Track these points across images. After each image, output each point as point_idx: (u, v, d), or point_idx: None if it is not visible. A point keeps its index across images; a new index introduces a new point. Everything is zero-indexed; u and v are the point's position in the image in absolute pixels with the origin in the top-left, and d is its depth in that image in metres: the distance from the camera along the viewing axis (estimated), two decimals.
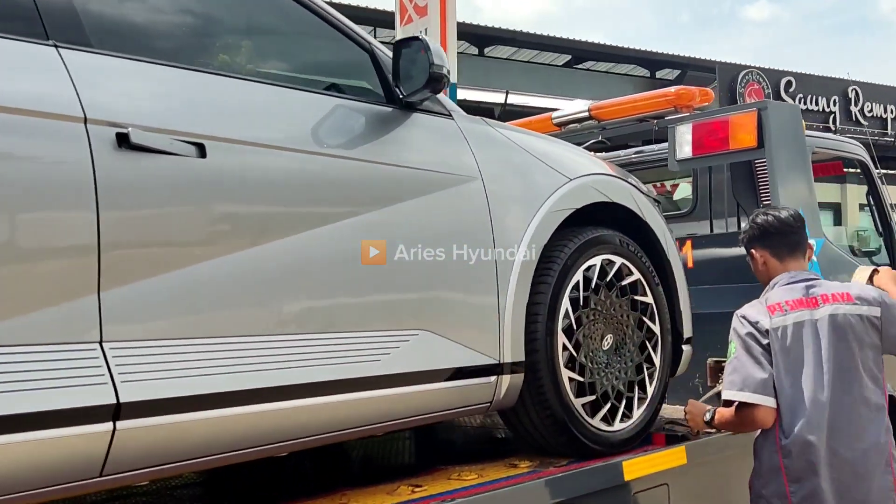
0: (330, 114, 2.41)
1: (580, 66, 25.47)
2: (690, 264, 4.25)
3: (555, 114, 4.81)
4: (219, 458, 2.05)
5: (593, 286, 2.93)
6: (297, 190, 2.22)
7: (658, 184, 5.85)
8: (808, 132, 4.21)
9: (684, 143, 4.03)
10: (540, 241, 2.78)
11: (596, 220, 3.07)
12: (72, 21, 1.91)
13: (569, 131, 4.75)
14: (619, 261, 3.03)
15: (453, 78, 10.04)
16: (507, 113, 17.89)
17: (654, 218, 3.25)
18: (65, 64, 1.85)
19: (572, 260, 2.87)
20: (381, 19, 19.84)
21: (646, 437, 3.13)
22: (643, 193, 3.28)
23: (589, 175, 3.04)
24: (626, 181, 3.23)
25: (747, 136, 3.81)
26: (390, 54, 2.55)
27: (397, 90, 2.49)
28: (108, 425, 1.80)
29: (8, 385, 1.66)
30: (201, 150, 1.99)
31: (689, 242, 4.31)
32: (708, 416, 2.93)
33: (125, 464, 1.86)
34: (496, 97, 18.17)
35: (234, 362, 2.03)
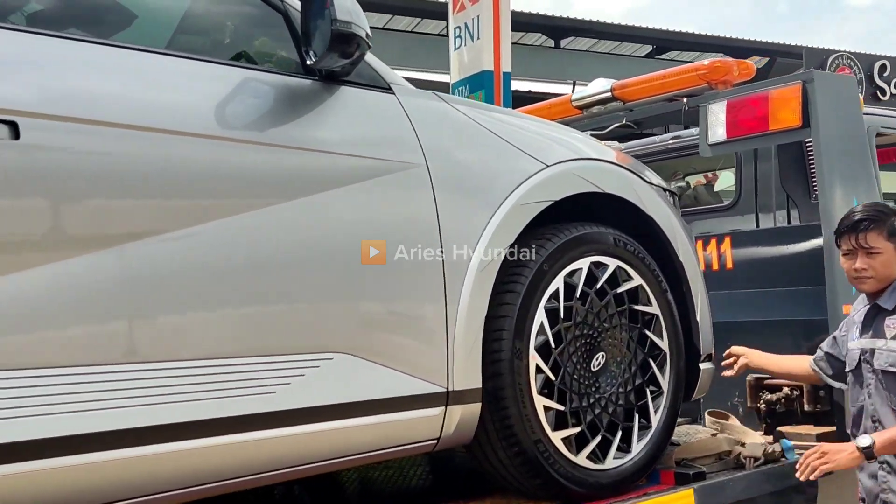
0: (230, 87, 1.97)
1: (664, 56, 24.66)
2: (729, 265, 3.66)
3: (574, 95, 4.27)
4: None
5: (578, 294, 2.41)
6: (165, 179, 1.78)
7: (711, 174, 5.24)
8: (869, 109, 3.57)
9: (718, 123, 3.44)
10: (504, 240, 2.27)
11: (594, 217, 2.56)
12: None
13: (591, 115, 4.19)
14: (612, 263, 2.50)
15: (507, 66, 9.61)
16: None
17: (662, 213, 2.70)
18: None
19: (549, 263, 2.36)
20: (428, 9, 19.46)
21: (651, 476, 2.60)
22: (650, 184, 2.73)
23: (574, 161, 2.51)
24: (627, 168, 2.69)
25: (790, 114, 3.21)
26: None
27: (307, 57, 2.03)
28: None
29: None
30: (13, 130, 1.57)
31: (727, 240, 3.72)
32: (866, 442, 2.48)
33: None
34: (566, 89, 17.51)
35: (63, 397, 1.60)
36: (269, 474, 1.92)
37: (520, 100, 10.39)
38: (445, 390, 2.14)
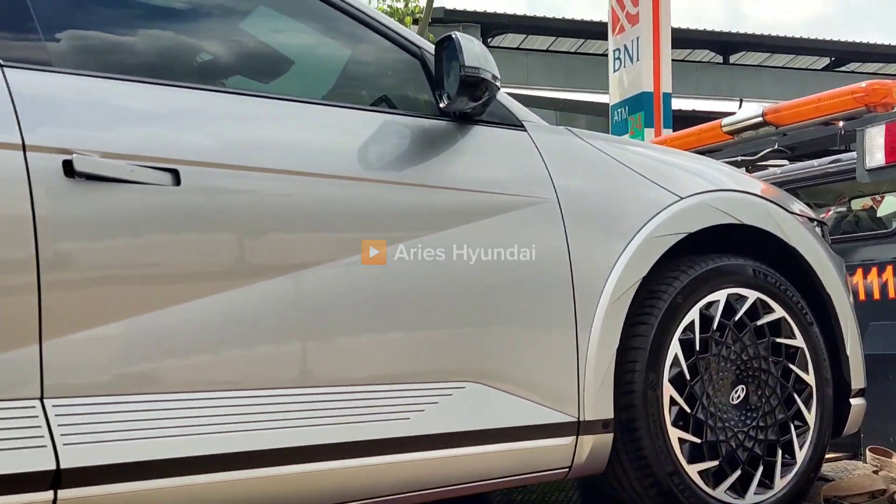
0: (366, 130, 2.12)
1: (842, 68, 23.54)
2: (892, 294, 3.49)
3: (724, 121, 4.19)
4: None
5: (716, 326, 2.40)
6: (314, 218, 1.94)
7: (878, 197, 5.00)
8: None
9: (876, 148, 3.30)
10: (637, 272, 2.30)
11: (731, 247, 2.54)
12: (21, 36, 1.76)
13: (743, 139, 4.11)
14: (752, 295, 2.47)
15: (667, 86, 9.47)
16: None
17: (807, 244, 2.64)
18: (6, 83, 1.68)
19: (684, 295, 2.36)
20: (590, 30, 19.44)
21: None
22: (793, 214, 2.68)
23: (710, 192, 2.51)
24: (768, 199, 2.64)
25: None
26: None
27: (440, 101, 2.15)
28: (49, 494, 1.60)
29: None
30: (175, 177, 1.77)
31: (889, 268, 3.54)
32: None
33: None
34: (734, 107, 17.01)
35: (217, 420, 1.77)
36: (405, 495, 2.03)
37: (684, 119, 10.23)
38: (576, 420, 2.19)
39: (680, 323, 2.35)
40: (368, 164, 2.07)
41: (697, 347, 2.36)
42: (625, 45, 9.61)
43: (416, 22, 11.70)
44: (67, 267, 1.66)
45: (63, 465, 1.61)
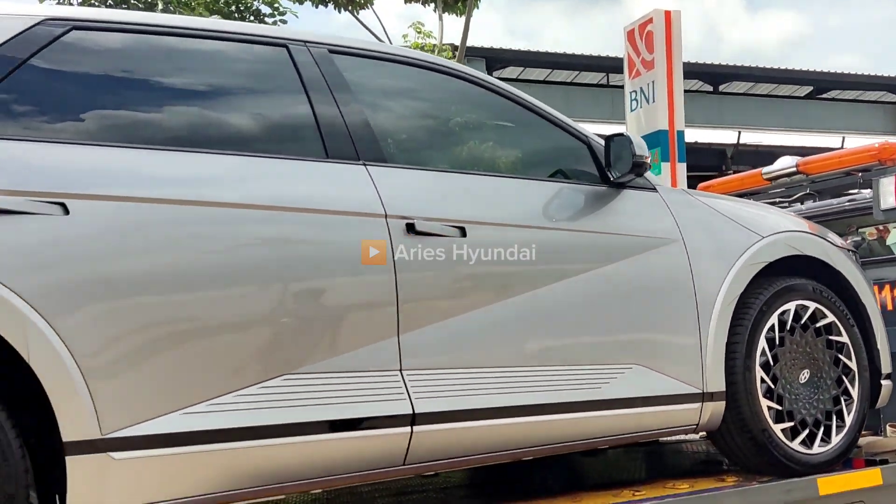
0: (557, 196, 3.12)
1: (823, 95, 24.67)
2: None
3: (764, 169, 5.25)
4: (484, 458, 2.79)
5: (788, 328, 3.41)
6: (536, 256, 2.93)
7: (882, 227, 6.05)
8: None
9: (888, 193, 4.35)
10: (736, 290, 3.31)
11: (794, 271, 3.55)
12: (376, 147, 2.75)
13: (778, 185, 5.16)
14: (812, 305, 3.48)
15: (680, 125, 10.54)
16: (740, 153, 17.85)
17: (847, 267, 3.66)
18: (371, 177, 2.68)
19: (767, 305, 3.38)
20: (611, 66, 20.61)
21: (846, 463, 3.53)
22: (837, 246, 3.70)
23: (781, 232, 3.53)
24: (819, 236, 3.67)
25: None
26: (601, 143, 3.23)
27: (609, 174, 3.16)
28: (406, 429, 2.58)
29: (346, 398, 2.49)
30: (462, 232, 2.76)
31: None
32: None
33: (419, 457, 2.63)
34: (728, 136, 18.15)
35: (496, 385, 2.76)
36: (594, 441, 3.03)
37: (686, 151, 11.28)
38: (701, 392, 3.19)
39: (765, 325, 3.36)
40: (554, 218, 3.06)
41: (777, 342, 3.37)
42: (641, 88, 10.65)
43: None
44: (413, 291, 2.64)
45: (417, 411, 2.59)
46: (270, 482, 2.44)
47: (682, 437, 4.31)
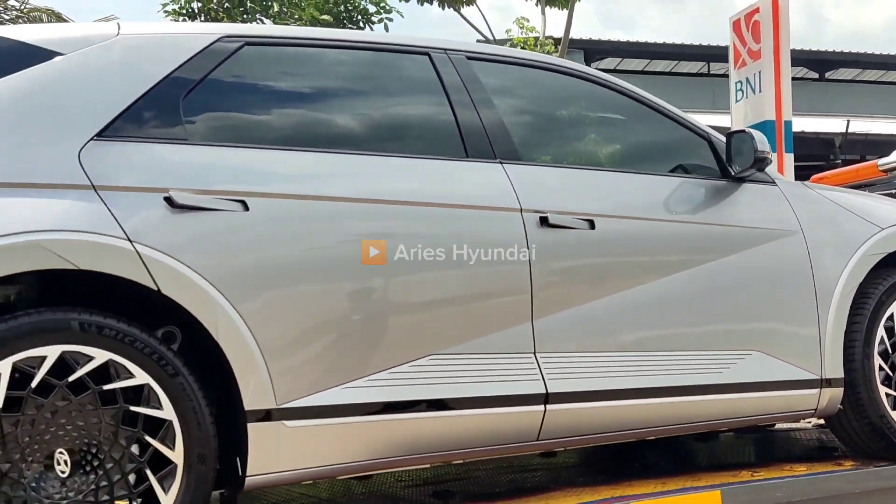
0: (679, 190, 3.27)
1: None
2: None
3: (880, 161, 5.26)
4: (610, 436, 2.98)
5: None
6: (660, 247, 3.10)
7: None
8: None
9: None
10: (855, 280, 3.40)
11: None
12: (511, 147, 2.96)
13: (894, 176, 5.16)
14: None
15: (787, 115, 10.42)
16: (849, 142, 17.39)
17: None
18: (507, 175, 2.89)
19: (886, 295, 3.46)
20: (712, 55, 20.34)
21: None
22: None
23: None
24: None
25: None
26: (721, 138, 3.36)
27: (730, 169, 3.29)
28: (540, 407, 2.79)
29: (486, 377, 2.71)
30: (591, 224, 2.95)
31: None
32: None
33: (551, 434, 2.84)
34: (836, 125, 17.68)
35: (622, 369, 2.95)
36: (716, 422, 3.18)
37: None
38: (820, 378, 3.29)
39: (884, 314, 3.44)
40: (675, 211, 3.21)
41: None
42: (747, 78, 10.57)
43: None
44: (545, 280, 2.85)
45: (550, 391, 2.80)
46: (417, 452, 2.68)
47: (795, 425, 4.43)
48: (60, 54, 2.48)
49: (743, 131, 3.25)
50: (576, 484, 3.19)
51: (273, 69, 2.82)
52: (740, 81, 10.87)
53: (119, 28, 2.62)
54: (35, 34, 2.57)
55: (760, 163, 3.21)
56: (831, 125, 17.86)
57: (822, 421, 3.94)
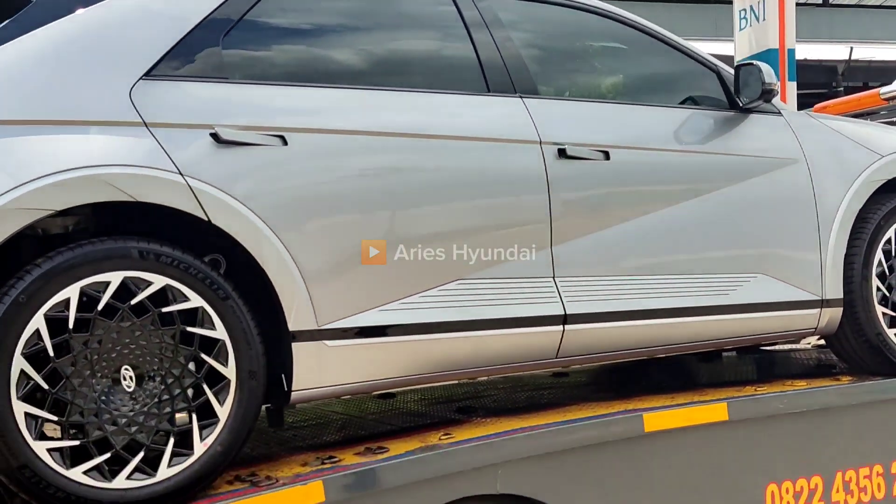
0: (690, 121, 3.44)
1: None
2: None
3: (882, 90, 5.38)
4: (624, 354, 3.20)
5: None
6: (671, 176, 3.27)
7: None
8: None
9: None
10: (855, 205, 3.58)
11: None
12: (529, 81, 3.11)
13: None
14: None
15: (791, 43, 10.46)
16: (852, 70, 17.37)
17: None
18: (527, 108, 3.04)
19: (885, 220, 3.64)
20: None
21: None
22: None
23: None
24: None
25: None
26: (729, 70, 3.50)
27: (738, 100, 3.44)
28: (559, 328, 2.99)
29: (509, 300, 2.90)
30: (606, 155, 3.11)
31: None
32: None
33: (569, 352, 3.05)
34: (839, 52, 17.63)
35: (636, 291, 3.15)
36: (723, 341, 3.41)
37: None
38: (820, 298, 3.49)
39: (882, 238, 3.63)
40: (684, 141, 3.37)
41: (893, 254, 3.64)
42: (751, 6, 10.54)
43: None
44: (563, 209, 3.02)
45: (568, 312, 3.00)
46: (447, 369, 2.90)
47: (796, 346, 4.66)
48: None
49: (751, 63, 3.39)
50: (589, 399, 3.40)
51: (301, 8, 2.95)
52: (744, 9, 10.84)
53: None
54: None
55: (767, 94, 3.36)
56: (835, 52, 17.82)
57: (821, 342, 4.18)
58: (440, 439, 2.87)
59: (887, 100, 5.26)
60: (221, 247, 2.58)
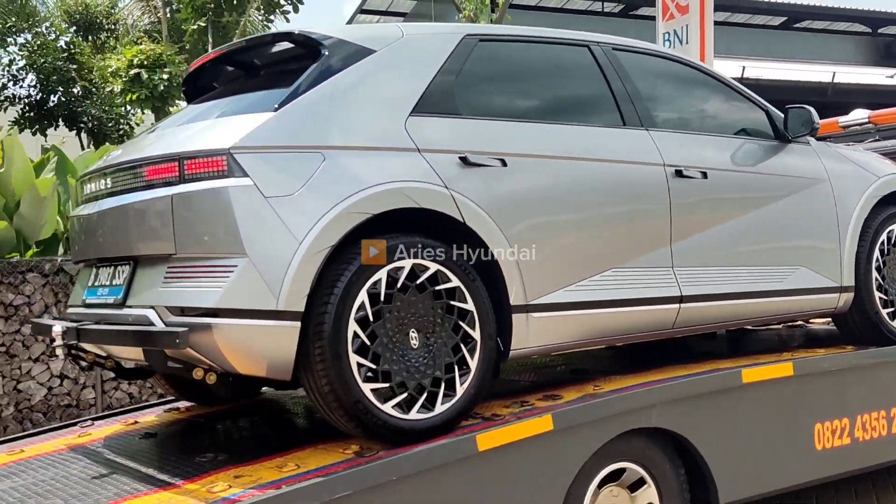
0: (752, 148, 4.46)
1: (798, 25, 25.80)
2: None
3: (841, 119, 6.64)
4: (717, 326, 4.23)
5: (892, 243, 4.83)
6: (745, 190, 4.29)
7: None
8: None
9: None
10: (862, 215, 4.71)
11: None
12: (650, 117, 4.06)
13: (849, 132, 6.56)
14: None
15: (709, 65, 11.78)
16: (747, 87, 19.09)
17: None
18: (652, 139, 3.99)
19: (880, 226, 4.79)
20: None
21: None
22: None
23: (890, 174, 4.91)
24: None
25: None
26: (773, 109, 4.56)
27: (787, 134, 4.50)
28: (677, 305, 3.96)
29: (645, 284, 3.85)
30: (704, 175, 4.10)
31: None
32: None
33: (680, 324, 4.02)
34: (732, 69, 19.37)
35: (723, 278, 4.14)
36: (776, 316, 4.48)
37: None
38: (839, 285, 4.60)
39: (878, 240, 4.77)
40: (741, 163, 4.40)
41: (886, 252, 4.79)
42: (674, 30, 11.85)
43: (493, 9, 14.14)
44: (679, 215, 3.98)
45: (683, 293, 3.97)
46: (603, 336, 3.82)
47: (808, 325, 5.80)
48: (374, 51, 3.41)
49: (801, 107, 4.46)
50: (662, 364, 4.38)
51: (496, 60, 3.81)
52: (668, 32, 12.16)
53: (402, 29, 3.56)
54: (355, 34, 3.48)
55: (814, 132, 4.44)
56: (729, 70, 19.46)
57: (826, 325, 5.34)
58: (594, 388, 3.80)
59: (844, 127, 6.50)
60: (451, 240, 3.39)
